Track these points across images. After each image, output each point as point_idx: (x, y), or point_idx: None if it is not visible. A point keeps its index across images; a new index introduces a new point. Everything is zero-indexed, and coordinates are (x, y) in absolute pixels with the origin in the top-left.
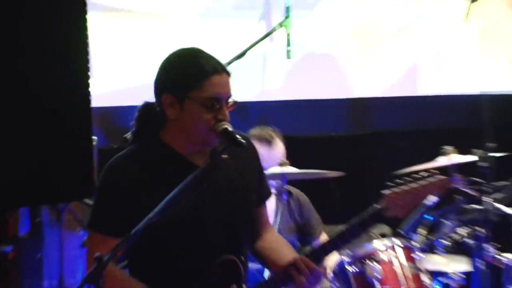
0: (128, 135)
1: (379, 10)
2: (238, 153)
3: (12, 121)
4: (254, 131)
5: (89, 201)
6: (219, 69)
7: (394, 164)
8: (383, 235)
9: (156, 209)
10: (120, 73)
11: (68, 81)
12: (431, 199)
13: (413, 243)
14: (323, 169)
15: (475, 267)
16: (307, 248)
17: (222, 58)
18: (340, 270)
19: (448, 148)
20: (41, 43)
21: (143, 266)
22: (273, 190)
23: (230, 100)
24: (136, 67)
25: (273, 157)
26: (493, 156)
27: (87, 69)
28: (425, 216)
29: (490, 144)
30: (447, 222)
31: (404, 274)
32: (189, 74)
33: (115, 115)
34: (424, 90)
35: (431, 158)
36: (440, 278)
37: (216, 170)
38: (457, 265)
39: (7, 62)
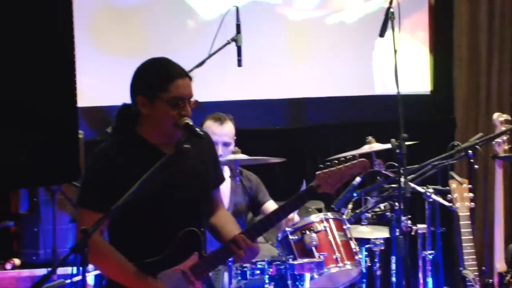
0: (109, 129)
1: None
2: (199, 143)
3: (15, 118)
4: (212, 114)
5: (77, 184)
6: (182, 74)
7: (327, 152)
8: (319, 210)
9: (132, 189)
10: (105, 76)
11: (57, 84)
12: (357, 180)
13: (343, 216)
14: (268, 156)
15: (393, 235)
16: (249, 225)
17: (186, 66)
18: (283, 238)
19: (370, 138)
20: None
21: (121, 237)
22: (228, 173)
23: (192, 99)
24: (120, 71)
25: (222, 133)
26: (406, 144)
27: (74, 74)
28: (353, 194)
29: (404, 135)
30: (370, 199)
31: (336, 242)
32: (158, 79)
33: (99, 113)
34: (350, 91)
35: (357, 146)
36: (365, 245)
37: (181, 157)
38: (379, 234)
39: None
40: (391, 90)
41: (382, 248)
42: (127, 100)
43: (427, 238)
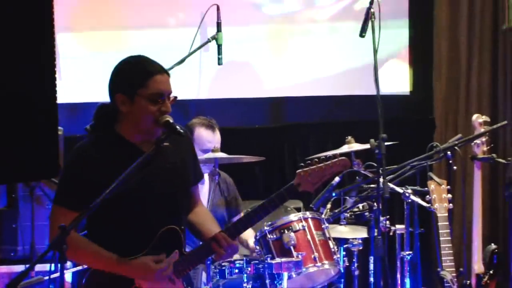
0: (88, 126)
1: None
2: (178, 141)
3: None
4: (198, 119)
5: (56, 180)
6: (160, 70)
7: (306, 151)
8: (298, 209)
9: (111, 187)
10: (85, 73)
11: (37, 79)
12: (336, 180)
13: (322, 215)
14: (248, 155)
15: (371, 235)
16: (228, 224)
17: (166, 63)
18: (261, 237)
19: (350, 138)
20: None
21: (101, 234)
22: (207, 171)
23: (171, 95)
24: (99, 68)
25: (215, 140)
26: (385, 145)
27: (54, 70)
28: (332, 193)
29: (383, 135)
30: (349, 199)
31: (314, 241)
32: (136, 76)
33: (79, 109)
34: (330, 91)
35: (336, 146)
36: (343, 244)
37: (160, 155)
38: (357, 233)
39: None
40: (371, 90)
41: (360, 248)
42: (107, 96)
43: (405, 238)
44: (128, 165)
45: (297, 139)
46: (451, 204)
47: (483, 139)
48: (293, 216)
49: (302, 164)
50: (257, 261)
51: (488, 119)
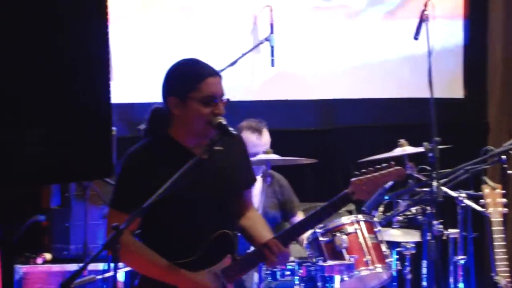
0: (142, 126)
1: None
2: (230, 144)
3: (50, 114)
4: (246, 122)
5: (109, 180)
6: (212, 73)
7: (358, 154)
8: (350, 212)
9: (162, 188)
10: (138, 74)
11: (91, 82)
12: (388, 183)
13: (374, 218)
14: (299, 157)
15: (424, 239)
16: (282, 230)
17: (219, 65)
18: (313, 240)
19: (403, 141)
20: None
21: (152, 239)
22: (259, 173)
23: (224, 98)
24: (152, 69)
25: (261, 144)
26: (438, 148)
27: (108, 71)
28: (384, 196)
29: (436, 138)
30: (402, 202)
31: (366, 244)
32: (189, 79)
33: (131, 110)
34: (383, 93)
35: (389, 149)
36: (395, 248)
37: (212, 158)
38: (410, 237)
39: (47, 60)
40: (424, 93)
41: (413, 252)
42: (159, 97)
43: (458, 243)
44: (179, 168)
45: (348, 142)
46: (505, 209)
47: None
48: (345, 219)
49: (356, 172)
50: (309, 263)
51: None
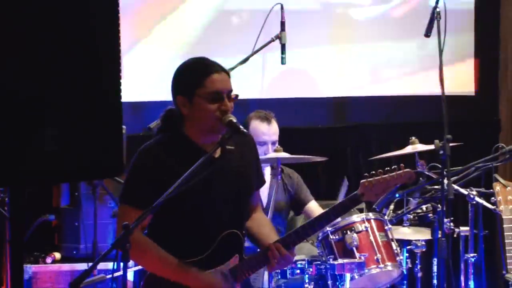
0: (152, 124)
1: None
2: (242, 143)
3: (60, 113)
4: (255, 112)
5: (119, 179)
6: (217, 69)
7: (369, 152)
8: (360, 210)
9: (174, 186)
10: (149, 72)
11: (102, 80)
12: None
13: (384, 216)
14: (310, 155)
15: (435, 237)
16: (291, 231)
17: (229, 63)
18: (323, 238)
19: (414, 138)
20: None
21: (162, 236)
22: (269, 171)
23: (232, 94)
24: (163, 67)
25: (271, 132)
26: (450, 146)
27: (119, 69)
28: (395, 194)
29: (448, 136)
30: (412, 200)
31: (377, 242)
32: (194, 76)
33: (142, 108)
34: (394, 91)
35: (400, 147)
36: (406, 246)
37: (224, 157)
38: (420, 235)
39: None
40: (435, 91)
41: (424, 249)
42: (170, 95)
43: (469, 240)
44: (191, 165)
45: (359, 140)
46: None
47: None
48: (356, 217)
49: (366, 174)
50: (319, 262)
51: None
